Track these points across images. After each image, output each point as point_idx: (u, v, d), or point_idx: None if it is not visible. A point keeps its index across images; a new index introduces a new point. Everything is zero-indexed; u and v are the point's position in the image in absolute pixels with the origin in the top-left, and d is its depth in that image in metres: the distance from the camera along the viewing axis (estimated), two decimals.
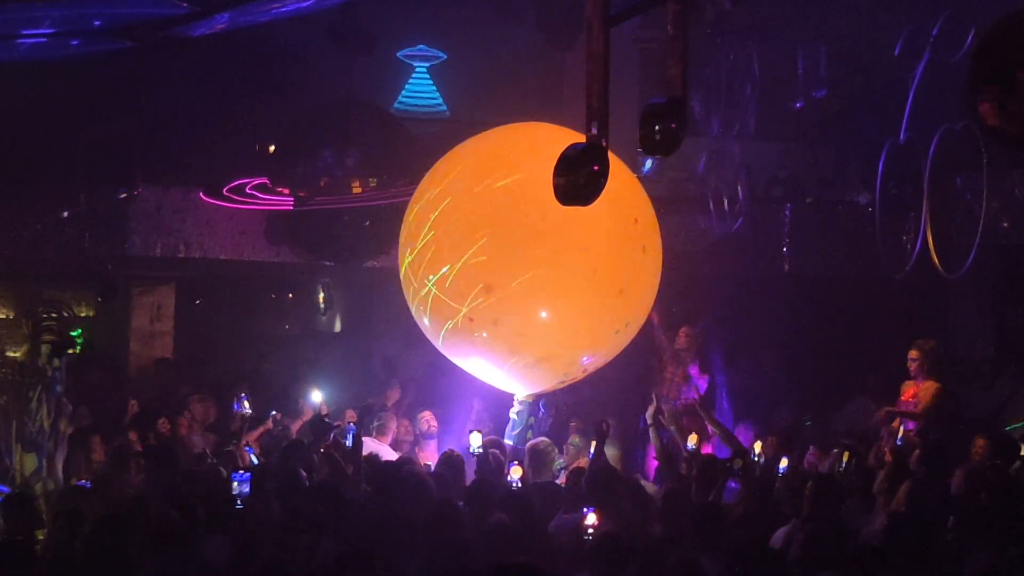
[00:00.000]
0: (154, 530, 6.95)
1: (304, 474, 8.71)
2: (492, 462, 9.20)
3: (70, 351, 10.31)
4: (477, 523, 7.49)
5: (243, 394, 10.18)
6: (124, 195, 12.80)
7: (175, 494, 7.98)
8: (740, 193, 12.87)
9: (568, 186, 5.45)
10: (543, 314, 9.56)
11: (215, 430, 11.00)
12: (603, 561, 6.57)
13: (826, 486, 7.83)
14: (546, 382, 10.03)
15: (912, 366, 10.39)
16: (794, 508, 7.81)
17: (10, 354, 10.60)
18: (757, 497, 8.23)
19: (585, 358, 9.93)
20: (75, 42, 11.56)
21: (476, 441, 9.24)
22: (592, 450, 9.60)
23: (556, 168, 5.54)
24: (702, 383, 11.67)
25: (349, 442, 9.09)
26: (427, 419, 10.91)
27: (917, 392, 10.30)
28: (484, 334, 9.51)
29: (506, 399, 10.35)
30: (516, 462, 8.86)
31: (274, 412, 10.20)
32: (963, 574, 6.69)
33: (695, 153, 13.10)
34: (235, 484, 7.74)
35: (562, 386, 10.26)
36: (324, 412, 10.39)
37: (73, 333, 11.00)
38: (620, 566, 6.57)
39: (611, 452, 10.15)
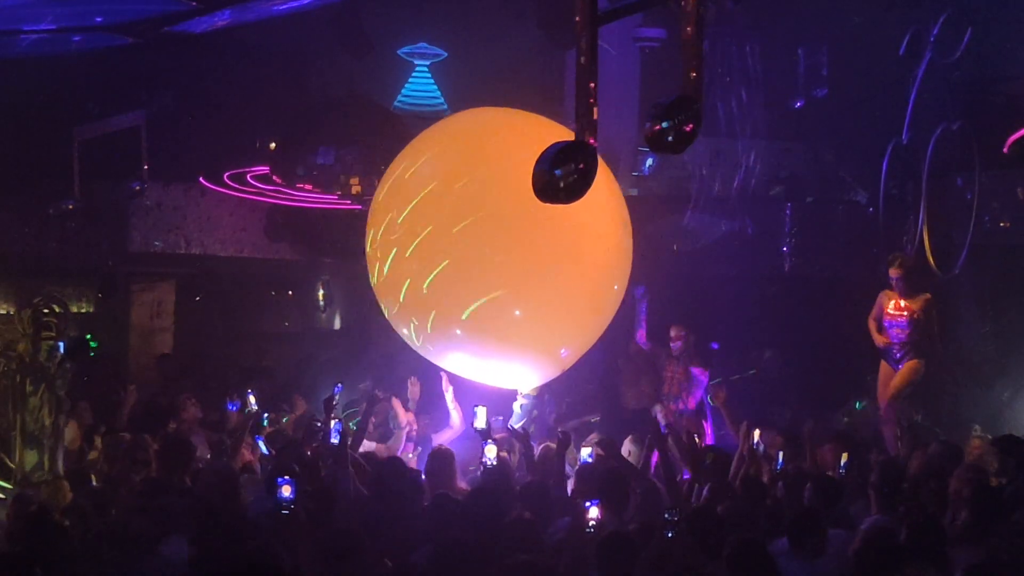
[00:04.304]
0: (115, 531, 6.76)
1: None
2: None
3: (85, 354, 10.34)
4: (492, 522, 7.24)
5: (236, 394, 10.09)
6: (137, 188, 12.76)
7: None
8: (740, 193, 12.87)
9: (549, 183, 5.35)
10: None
11: (212, 429, 10.97)
12: (611, 560, 6.37)
13: (827, 486, 7.83)
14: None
15: (898, 284, 10.72)
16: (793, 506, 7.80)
17: (10, 350, 10.57)
18: (731, 494, 8.12)
19: (563, 351, 9.93)
20: (77, 38, 11.58)
21: (491, 452, 8.60)
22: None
23: (537, 164, 5.41)
24: (704, 378, 11.70)
25: (336, 439, 8.99)
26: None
27: (909, 306, 10.67)
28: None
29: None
30: (490, 440, 8.70)
31: (266, 414, 10.13)
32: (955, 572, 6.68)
33: (695, 152, 13.09)
34: (280, 489, 7.00)
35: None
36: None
37: (87, 337, 11.05)
38: (628, 564, 6.44)
39: (635, 450, 9.99)
